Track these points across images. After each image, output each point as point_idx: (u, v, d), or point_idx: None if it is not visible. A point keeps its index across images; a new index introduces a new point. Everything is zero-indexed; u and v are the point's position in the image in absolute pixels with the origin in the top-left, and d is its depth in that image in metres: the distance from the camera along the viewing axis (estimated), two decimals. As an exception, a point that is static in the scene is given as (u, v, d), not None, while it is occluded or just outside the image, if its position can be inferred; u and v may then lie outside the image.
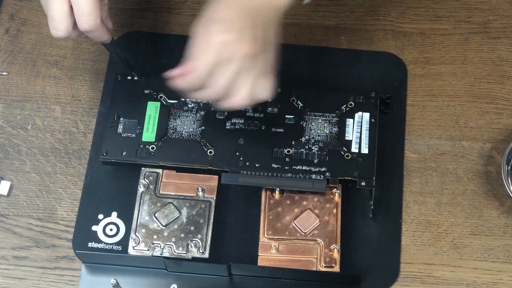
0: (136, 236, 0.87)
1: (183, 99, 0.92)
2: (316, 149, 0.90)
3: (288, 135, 0.91)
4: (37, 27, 1.01)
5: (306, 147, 0.90)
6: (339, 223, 0.88)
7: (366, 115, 0.92)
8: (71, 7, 0.81)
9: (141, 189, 0.90)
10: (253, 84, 0.82)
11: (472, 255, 0.89)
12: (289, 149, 0.90)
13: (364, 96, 0.92)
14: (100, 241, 0.89)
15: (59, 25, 0.82)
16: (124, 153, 0.90)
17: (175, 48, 0.93)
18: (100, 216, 0.90)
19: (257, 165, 0.89)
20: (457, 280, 0.88)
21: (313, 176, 0.88)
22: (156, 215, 0.88)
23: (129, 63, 0.92)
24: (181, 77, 0.82)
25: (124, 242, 0.89)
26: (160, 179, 0.90)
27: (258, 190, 0.90)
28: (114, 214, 0.90)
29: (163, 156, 0.90)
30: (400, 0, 1.02)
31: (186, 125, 0.91)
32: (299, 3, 0.86)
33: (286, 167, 0.89)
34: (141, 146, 0.90)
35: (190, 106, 0.92)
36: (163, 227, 0.88)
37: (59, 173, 0.93)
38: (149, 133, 0.91)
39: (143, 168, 0.90)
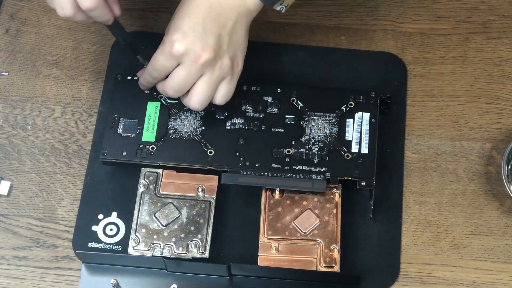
0: (136, 236, 0.87)
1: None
2: (316, 149, 0.90)
3: (288, 135, 0.91)
4: (37, 27, 1.01)
5: (306, 147, 0.90)
6: (339, 223, 0.88)
7: (366, 115, 0.92)
8: None
9: (141, 189, 0.90)
10: (209, 89, 0.86)
11: (472, 255, 0.89)
12: (289, 149, 0.90)
13: (364, 96, 0.92)
14: (100, 241, 0.89)
15: (64, 4, 0.82)
16: (124, 153, 0.90)
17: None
18: (100, 216, 0.90)
19: (257, 165, 0.89)
20: (457, 280, 0.88)
21: (313, 176, 0.88)
22: (156, 215, 0.88)
23: (135, 46, 0.92)
24: (141, 74, 0.90)
25: (124, 242, 0.89)
26: (160, 179, 0.90)
27: (258, 190, 0.90)
28: (114, 214, 0.90)
29: (163, 156, 0.90)
30: (400, 0, 1.02)
31: (186, 125, 0.91)
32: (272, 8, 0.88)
33: (286, 167, 0.89)
34: (141, 146, 0.90)
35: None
36: (163, 227, 0.88)
37: (59, 173, 0.93)
38: (149, 133, 0.90)
39: (143, 168, 0.90)
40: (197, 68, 0.85)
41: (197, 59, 0.84)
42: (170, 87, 0.87)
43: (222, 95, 0.88)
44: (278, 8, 0.87)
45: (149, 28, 1.00)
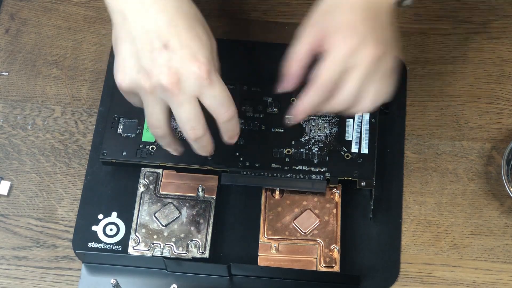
0: (136, 236, 0.87)
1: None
2: (316, 149, 0.90)
3: (288, 135, 0.91)
4: (37, 27, 1.01)
5: (306, 147, 0.90)
6: (339, 223, 0.88)
7: (366, 115, 0.92)
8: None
9: (141, 189, 0.90)
10: (378, 87, 0.80)
11: (472, 255, 0.89)
12: (289, 149, 0.90)
13: (364, 96, 0.92)
14: (100, 241, 0.89)
15: (196, 124, 0.78)
16: (124, 153, 0.90)
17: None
18: (100, 216, 0.90)
19: (257, 165, 0.89)
20: (457, 280, 0.88)
21: (313, 176, 0.88)
22: (156, 215, 0.88)
23: None
24: (306, 93, 0.80)
25: (124, 242, 0.89)
26: (160, 179, 0.90)
27: (258, 190, 0.90)
28: (114, 214, 0.90)
29: (163, 156, 0.90)
30: (400, 0, 1.02)
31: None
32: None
33: (286, 167, 0.89)
34: (141, 146, 0.90)
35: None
36: (163, 227, 0.88)
37: (59, 173, 0.93)
38: (149, 133, 0.90)
39: (143, 168, 0.90)
40: (370, 66, 0.78)
41: (370, 56, 0.78)
42: (342, 99, 0.79)
43: (388, 91, 0.82)
44: (408, 3, 0.83)
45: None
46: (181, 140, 0.90)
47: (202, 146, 0.81)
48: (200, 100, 0.77)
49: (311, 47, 0.79)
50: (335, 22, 0.78)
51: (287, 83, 0.81)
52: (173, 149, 0.83)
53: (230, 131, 0.81)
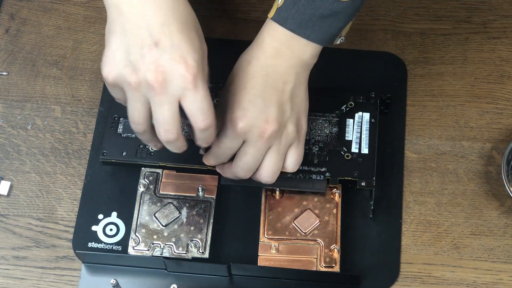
0: (136, 236, 0.87)
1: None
2: (316, 149, 0.90)
3: (288, 135, 0.91)
4: (37, 27, 1.01)
5: (306, 147, 0.90)
6: (339, 223, 0.88)
7: (366, 115, 0.92)
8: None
9: (141, 189, 0.90)
10: (279, 159, 0.83)
11: (472, 255, 0.89)
12: (289, 149, 0.90)
13: (364, 96, 0.92)
14: (100, 241, 0.89)
15: (171, 127, 0.78)
16: (124, 153, 0.90)
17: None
18: (100, 216, 0.90)
19: (257, 165, 0.89)
20: (457, 280, 0.88)
21: (313, 176, 0.88)
22: (156, 215, 0.88)
23: None
24: (209, 153, 0.85)
25: (124, 242, 0.89)
26: (160, 179, 0.90)
27: (258, 190, 0.90)
28: (114, 214, 0.90)
29: (163, 156, 0.90)
30: (400, 0, 1.02)
31: (186, 125, 0.91)
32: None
33: (286, 167, 0.89)
34: (141, 146, 0.90)
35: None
36: (163, 227, 0.88)
37: (59, 173, 0.93)
38: (149, 133, 0.90)
39: (143, 168, 0.90)
40: (264, 143, 0.81)
41: (262, 134, 0.80)
42: (240, 169, 0.83)
43: (293, 162, 0.85)
44: (338, 42, 0.85)
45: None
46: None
47: (174, 147, 0.81)
48: (181, 103, 0.77)
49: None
50: (232, 95, 0.81)
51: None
52: (153, 145, 0.83)
53: (203, 140, 0.81)
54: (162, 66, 0.75)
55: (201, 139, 0.80)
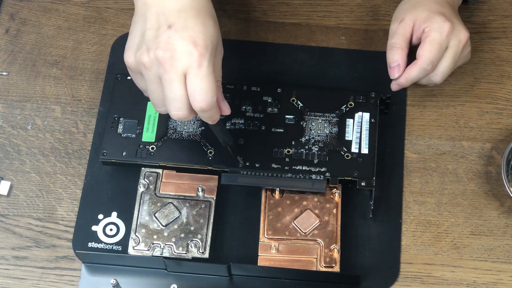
0: (136, 236, 0.87)
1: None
2: (316, 149, 0.90)
3: (288, 135, 0.91)
4: (37, 27, 1.01)
5: (306, 147, 0.90)
6: (339, 223, 0.88)
7: (366, 115, 0.92)
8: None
9: (141, 189, 0.90)
10: (461, 64, 0.93)
11: (472, 255, 0.89)
12: (289, 149, 0.90)
13: (364, 96, 0.92)
14: (100, 241, 0.89)
15: (179, 105, 0.79)
16: (124, 153, 0.90)
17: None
18: (100, 216, 0.90)
19: (257, 165, 0.89)
20: (457, 280, 0.88)
21: (313, 176, 0.88)
22: (156, 215, 0.88)
23: (234, 148, 0.88)
24: (411, 69, 0.91)
25: (124, 242, 0.89)
26: (160, 179, 0.90)
27: (258, 190, 0.90)
28: (114, 214, 0.90)
29: (163, 156, 0.90)
30: (400, 0, 1.02)
31: (186, 125, 0.91)
32: None
33: (286, 167, 0.89)
34: (141, 146, 0.90)
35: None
36: (163, 227, 0.88)
37: (59, 173, 0.93)
38: (149, 133, 0.91)
39: (143, 168, 0.90)
40: (461, 49, 0.91)
41: (463, 40, 0.90)
42: (440, 73, 0.90)
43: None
44: None
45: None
46: (181, 140, 0.90)
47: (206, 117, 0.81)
48: (186, 81, 0.78)
49: (407, 37, 0.90)
50: (428, 13, 0.90)
51: (398, 72, 0.90)
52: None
53: (205, 119, 0.82)
54: (171, 44, 0.78)
55: (203, 118, 0.81)
